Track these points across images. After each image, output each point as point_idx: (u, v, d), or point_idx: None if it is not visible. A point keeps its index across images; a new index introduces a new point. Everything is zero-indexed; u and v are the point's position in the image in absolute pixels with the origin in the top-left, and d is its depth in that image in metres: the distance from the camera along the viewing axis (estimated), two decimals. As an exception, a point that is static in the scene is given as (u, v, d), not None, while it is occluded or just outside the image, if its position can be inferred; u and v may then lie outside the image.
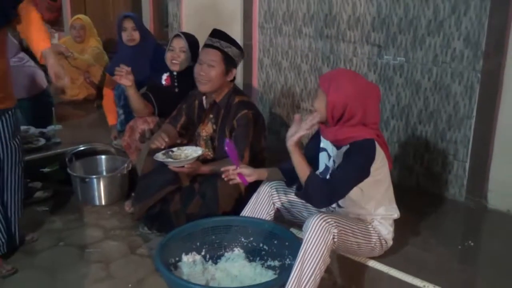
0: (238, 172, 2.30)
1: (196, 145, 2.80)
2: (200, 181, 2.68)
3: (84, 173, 3.29)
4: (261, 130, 2.78)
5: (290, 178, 2.30)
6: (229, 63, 2.68)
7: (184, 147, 2.65)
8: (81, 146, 3.50)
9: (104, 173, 3.38)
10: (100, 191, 3.17)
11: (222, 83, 2.70)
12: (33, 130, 3.95)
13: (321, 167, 2.28)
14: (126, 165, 3.22)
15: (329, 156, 2.22)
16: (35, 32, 2.42)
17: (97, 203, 3.18)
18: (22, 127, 3.98)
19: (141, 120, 3.13)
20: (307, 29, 3.53)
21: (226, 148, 2.25)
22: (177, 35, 3.23)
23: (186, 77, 3.18)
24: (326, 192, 2.02)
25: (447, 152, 2.95)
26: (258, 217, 2.38)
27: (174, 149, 2.62)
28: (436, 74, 2.92)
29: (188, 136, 3.01)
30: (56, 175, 3.45)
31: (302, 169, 2.09)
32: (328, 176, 2.15)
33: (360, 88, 2.05)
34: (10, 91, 2.47)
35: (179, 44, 3.18)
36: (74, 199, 3.25)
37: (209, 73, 2.62)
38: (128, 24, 3.92)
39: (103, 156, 3.48)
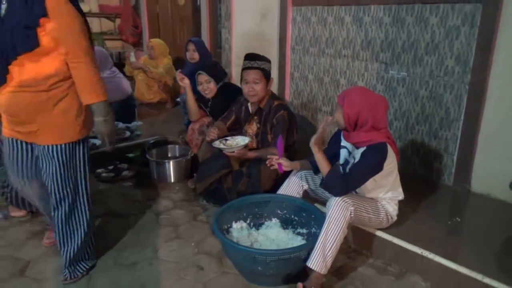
0: (278, 162, 2.27)
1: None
2: (247, 165, 2.66)
3: (158, 158, 3.32)
4: (294, 126, 2.75)
5: (316, 168, 2.25)
6: (267, 75, 2.67)
7: (235, 137, 2.64)
8: (156, 137, 3.52)
9: (173, 159, 3.40)
10: (170, 172, 3.18)
11: (265, 92, 2.68)
12: (121, 125, 4.00)
13: (342, 160, 2.22)
14: (189, 153, 3.22)
15: (349, 152, 2.14)
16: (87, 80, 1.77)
17: (168, 180, 3.19)
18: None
19: (198, 123, 3.13)
20: (328, 50, 3.43)
21: (278, 141, 2.28)
22: (199, 73, 3.11)
23: (220, 95, 3.12)
24: (342, 184, 1.97)
25: (439, 147, 2.82)
26: (291, 194, 2.34)
27: (228, 138, 2.63)
28: (432, 85, 2.79)
29: (235, 131, 2.99)
30: (138, 159, 3.48)
31: (322, 166, 2.07)
32: (348, 169, 2.08)
33: (369, 100, 1.97)
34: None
35: (204, 78, 3.08)
36: (151, 177, 3.28)
37: (256, 88, 2.63)
38: (191, 47, 3.92)
39: (172, 145, 3.49)
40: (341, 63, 3.35)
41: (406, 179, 2.17)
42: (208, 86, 3.15)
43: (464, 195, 2.68)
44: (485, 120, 2.55)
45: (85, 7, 6.32)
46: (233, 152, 2.50)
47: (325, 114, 3.56)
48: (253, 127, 2.78)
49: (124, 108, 4.13)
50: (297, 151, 2.82)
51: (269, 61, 2.70)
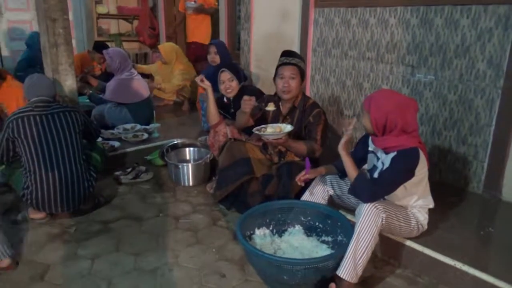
0: (306, 178, 2.26)
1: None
2: (277, 168, 2.59)
3: (177, 161, 3.28)
4: (327, 123, 2.70)
5: (342, 172, 2.19)
6: (303, 74, 2.61)
7: (272, 124, 2.51)
8: (174, 140, 3.48)
9: (192, 162, 3.36)
10: (189, 175, 3.13)
11: (299, 91, 2.63)
12: (139, 126, 3.99)
13: (369, 165, 2.14)
14: (208, 156, 3.17)
15: (377, 158, 2.07)
16: None
17: (187, 184, 3.15)
18: (131, 124, 4.05)
19: (221, 125, 3.07)
20: (351, 52, 3.36)
21: (307, 161, 2.25)
22: (222, 71, 3.13)
23: (239, 97, 3.08)
24: (371, 190, 1.90)
25: (468, 154, 2.73)
26: (315, 200, 2.28)
27: (266, 126, 2.48)
28: (461, 90, 2.70)
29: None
30: (157, 161, 3.45)
31: (350, 171, 2.01)
32: (376, 175, 2.00)
33: (397, 103, 1.89)
34: None
35: (227, 77, 3.12)
36: (169, 180, 3.24)
37: (291, 84, 2.56)
38: (212, 49, 3.89)
39: (191, 148, 3.44)
40: (364, 66, 3.27)
41: (433, 186, 2.08)
42: (231, 85, 3.14)
43: (495, 203, 2.58)
44: (518, 126, 2.45)
45: (103, 9, 6.36)
46: (280, 138, 2.38)
47: (347, 118, 3.48)
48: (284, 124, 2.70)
49: (142, 110, 4.11)
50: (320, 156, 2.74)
51: (304, 61, 2.66)
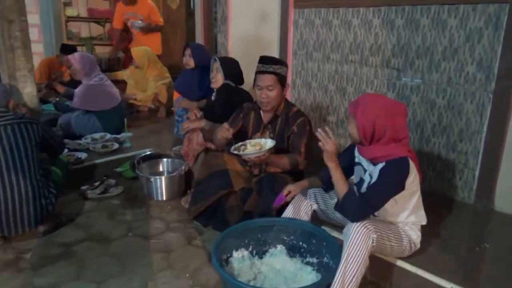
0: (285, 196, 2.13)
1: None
2: (257, 181, 2.37)
3: (149, 173, 3.05)
4: (312, 133, 2.50)
5: (327, 185, 2.01)
6: (283, 81, 2.39)
7: (251, 140, 2.31)
8: (147, 150, 3.25)
9: (165, 174, 3.13)
10: (162, 189, 2.90)
11: (281, 99, 2.42)
12: (109, 136, 3.75)
13: (356, 179, 1.96)
14: (183, 167, 2.95)
15: (364, 170, 1.89)
16: None
17: (160, 198, 2.91)
18: (100, 133, 3.80)
19: (195, 132, 2.86)
20: (334, 55, 3.19)
21: (278, 197, 2.14)
22: (214, 59, 3.01)
23: (223, 93, 2.95)
24: (360, 208, 1.72)
25: (458, 161, 2.59)
26: (298, 216, 2.10)
27: (245, 143, 2.28)
28: (450, 94, 2.56)
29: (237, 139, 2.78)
30: (128, 173, 3.21)
31: (339, 185, 1.82)
32: (364, 189, 1.83)
33: (385, 108, 1.72)
34: None
35: (215, 66, 2.99)
36: (141, 194, 3.00)
37: (269, 95, 2.34)
38: (187, 51, 3.69)
39: (164, 159, 3.21)
40: (348, 69, 3.12)
41: (422, 196, 1.92)
42: (216, 75, 2.98)
43: (488, 214, 2.44)
44: (511, 132, 2.32)
45: (73, 11, 6.06)
46: (263, 155, 2.18)
47: (330, 125, 3.32)
48: (265, 137, 2.48)
49: (112, 118, 3.87)
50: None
51: (286, 65, 2.44)
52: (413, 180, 1.75)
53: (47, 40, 5.93)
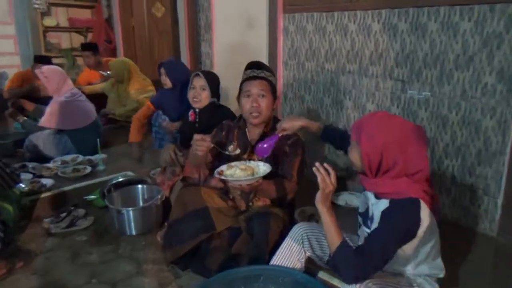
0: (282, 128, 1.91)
1: None
2: (247, 218, 1.97)
3: (122, 202, 2.67)
4: (305, 154, 2.13)
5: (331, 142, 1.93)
6: (275, 91, 2.06)
7: (238, 163, 1.91)
8: (119, 177, 2.87)
9: (141, 202, 2.75)
10: (135, 222, 2.51)
11: (271, 112, 2.08)
12: (81, 158, 3.38)
13: (361, 207, 1.59)
14: (159, 196, 2.58)
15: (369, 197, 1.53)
16: None
17: (132, 232, 2.53)
18: (72, 155, 3.43)
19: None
20: (329, 65, 2.84)
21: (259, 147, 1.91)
22: (196, 74, 2.62)
23: (207, 113, 2.58)
24: (358, 269, 1.34)
25: (476, 187, 2.22)
26: (290, 263, 1.71)
27: (234, 164, 1.89)
28: (465, 108, 2.20)
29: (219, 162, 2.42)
30: (99, 202, 2.83)
31: (331, 235, 1.43)
32: (369, 228, 1.46)
33: (397, 133, 1.35)
34: None
35: (199, 83, 2.59)
36: (112, 227, 2.62)
37: (261, 104, 2.00)
38: (162, 70, 3.34)
39: (139, 186, 2.83)
40: (345, 81, 2.76)
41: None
42: (200, 94, 2.62)
43: (514, 250, 2.07)
44: (540, 154, 1.96)
45: (51, 21, 5.71)
46: (256, 182, 1.80)
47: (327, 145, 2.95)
48: (253, 159, 2.10)
49: (87, 137, 3.49)
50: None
51: (275, 75, 2.12)
52: (426, 227, 1.37)
53: (24, 52, 5.57)
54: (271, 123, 2.10)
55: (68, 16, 5.99)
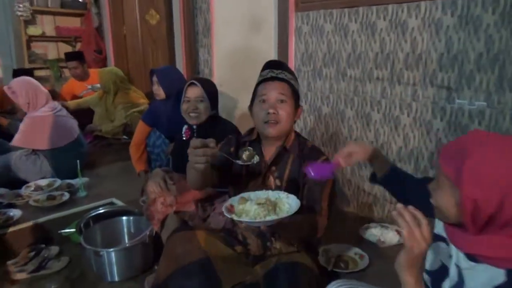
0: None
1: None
2: (266, 273, 1.42)
3: (103, 239, 2.20)
4: (335, 179, 1.66)
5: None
6: (297, 98, 1.60)
7: (254, 195, 1.41)
8: (100, 208, 2.38)
9: (127, 239, 2.27)
10: (117, 265, 2.02)
11: (292, 124, 1.61)
12: (59, 182, 2.89)
13: (434, 264, 1.10)
14: (147, 232, 2.09)
15: (449, 256, 1.03)
16: None
17: (114, 278, 2.04)
18: (48, 180, 2.94)
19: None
20: (352, 71, 2.38)
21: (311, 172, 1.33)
22: (191, 83, 2.15)
23: (206, 128, 2.11)
24: None
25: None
26: None
27: (247, 196, 1.40)
28: (535, 122, 1.74)
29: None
30: (76, 238, 2.33)
31: None
32: None
33: None
34: None
35: (195, 93, 2.12)
36: (90, 270, 2.12)
37: (280, 111, 1.53)
38: (154, 78, 2.88)
39: (124, 218, 2.34)
40: (372, 89, 2.30)
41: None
42: (198, 107, 2.14)
43: None
44: None
45: (36, 30, 5.27)
46: (276, 222, 1.29)
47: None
48: (270, 184, 1.62)
49: (67, 158, 3.01)
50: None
51: (296, 78, 1.65)
52: None
53: (7, 64, 5.12)
54: (293, 140, 1.62)
55: (55, 25, 5.56)
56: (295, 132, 1.67)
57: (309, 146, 1.62)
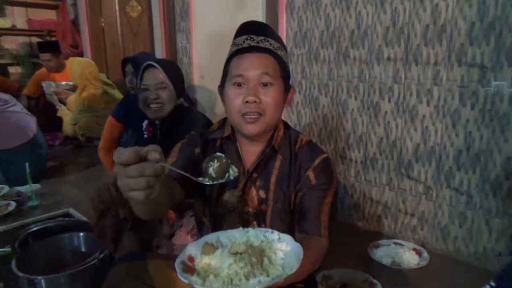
0: None
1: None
2: None
3: (46, 261, 1.74)
4: (338, 185, 1.19)
5: None
6: (287, 77, 1.14)
7: (227, 235, 0.89)
8: (39, 224, 1.91)
9: (75, 263, 1.81)
10: (58, 297, 1.58)
11: (280, 114, 1.14)
12: (6, 190, 2.43)
13: None
14: (98, 254, 1.64)
15: None
16: None
17: (53, 314, 1.59)
18: (-4, 186, 2.49)
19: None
20: (356, 51, 1.95)
21: None
22: (148, 66, 1.71)
23: (172, 122, 1.67)
24: None
25: None
26: None
27: (220, 236, 0.89)
28: None
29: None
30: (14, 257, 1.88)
31: None
32: None
33: None
34: None
35: (155, 78, 1.68)
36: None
37: (264, 97, 1.06)
38: (128, 68, 2.44)
39: (74, 235, 1.88)
40: (382, 72, 1.87)
41: None
42: (160, 95, 1.72)
43: None
44: None
45: (5, 22, 4.83)
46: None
47: (355, 166, 2.04)
48: (252, 196, 1.15)
49: (18, 161, 2.56)
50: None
51: (285, 47, 1.16)
52: None
53: (-27, 59, 4.69)
54: (283, 134, 1.17)
55: (27, 18, 5.12)
56: (284, 123, 1.21)
57: (303, 143, 1.17)
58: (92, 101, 3.43)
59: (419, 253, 1.70)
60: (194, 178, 0.85)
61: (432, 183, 1.77)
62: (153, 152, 0.72)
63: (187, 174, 0.83)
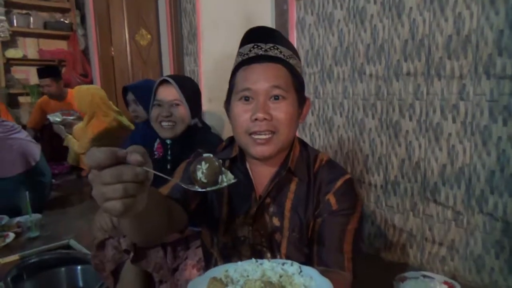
0: None
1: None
2: None
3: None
4: (363, 210, 1.05)
5: None
6: (302, 88, 1.01)
7: (239, 267, 0.75)
8: (32, 257, 1.78)
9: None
10: None
11: (295, 131, 1.01)
12: (5, 220, 2.33)
13: None
14: (95, 290, 1.50)
15: None
16: None
17: None
18: (-7, 218, 2.38)
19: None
20: (372, 67, 1.84)
21: None
22: (163, 81, 1.61)
23: (185, 143, 1.55)
24: None
25: None
26: None
27: (230, 268, 0.75)
28: None
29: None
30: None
31: None
32: None
33: None
34: None
35: (169, 95, 1.58)
36: None
37: (276, 112, 0.94)
38: (129, 97, 2.36)
39: (73, 268, 1.75)
40: (401, 89, 1.74)
41: None
42: (173, 113, 1.60)
43: None
44: None
45: (16, 53, 4.87)
46: None
47: (375, 190, 1.89)
48: (265, 225, 1.01)
49: (18, 190, 2.47)
50: None
51: (297, 55, 1.03)
52: None
53: (-16, 89, 4.70)
54: (299, 153, 1.03)
55: (38, 48, 5.17)
56: (300, 140, 1.08)
57: (323, 162, 1.03)
58: (104, 128, 3.37)
59: (451, 287, 1.52)
60: (184, 185, 0.72)
61: (462, 208, 1.61)
62: (134, 153, 0.57)
63: (168, 178, 0.70)
